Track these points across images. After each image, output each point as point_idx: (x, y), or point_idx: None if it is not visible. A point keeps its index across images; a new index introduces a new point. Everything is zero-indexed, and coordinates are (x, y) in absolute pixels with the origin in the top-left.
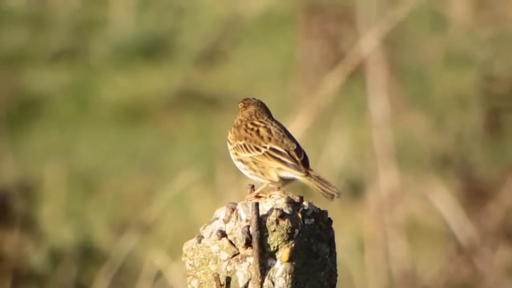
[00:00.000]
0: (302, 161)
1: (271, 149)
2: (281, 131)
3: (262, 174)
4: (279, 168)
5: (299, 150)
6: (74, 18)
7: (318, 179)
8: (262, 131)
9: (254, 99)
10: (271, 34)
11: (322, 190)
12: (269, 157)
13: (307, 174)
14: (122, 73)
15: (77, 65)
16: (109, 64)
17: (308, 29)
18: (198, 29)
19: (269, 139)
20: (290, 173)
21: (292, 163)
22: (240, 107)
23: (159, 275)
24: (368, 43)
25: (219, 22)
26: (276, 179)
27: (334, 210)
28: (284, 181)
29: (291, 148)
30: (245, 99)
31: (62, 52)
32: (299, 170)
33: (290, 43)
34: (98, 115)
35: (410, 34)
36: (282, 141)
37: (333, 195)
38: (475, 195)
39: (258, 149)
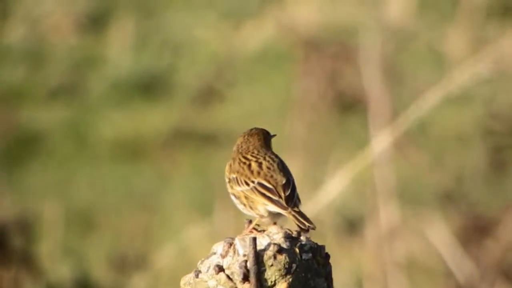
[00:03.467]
0: (287, 196)
1: (259, 183)
2: (272, 165)
3: (251, 208)
4: (265, 203)
5: (287, 185)
6: (71, 55)
7: (298, 213)
8: (253, 165)
9: (255, 129)
10: (268, 71)
11: (298, 223)
12: (256, 192)
13: (289, 210)
14: (119, 110)
15: (75, 102)
16: (106, 101)
17: (305, 66)
18: (195, 67)
19: (259, 173)
20: (273, 208)
21: (276, 198)
22: (241, 139)
23: None
24: (368, 80)
25: (216, 59)
26: (264, 213)
27: (332, 246)
28: (274, 215)
29: (279, 183)
30: (247, 131)
31: (59, 89)
32: (282, 206)
33: (288, 80)
34: (96, 152)
35: (409, 71)
36: (272, 176)
37: (307, 229)
38: (474, 232)
39: (247, 184)
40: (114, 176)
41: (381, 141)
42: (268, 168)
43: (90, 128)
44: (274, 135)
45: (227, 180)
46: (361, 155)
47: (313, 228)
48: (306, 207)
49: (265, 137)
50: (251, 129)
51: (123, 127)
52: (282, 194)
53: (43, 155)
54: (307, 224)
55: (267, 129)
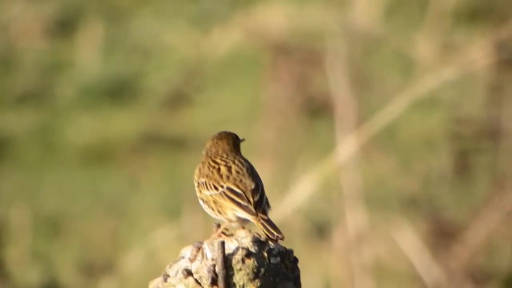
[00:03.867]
0: (256, 202)
1: (228, 188)
2: (242, 169)
3: (220, 212)
4: (234, 209)
5: (256, 190)
6: (40, 60)
7: (267, 222)
8: (223, 169)
9: (224, 132)
10: (237, 76)
11: (266, 232)
12: (225, 197)
13: (257, 217)
14: (88, 115)
15: (43, 107)
16: (75, 106)
17: (273, 71)
18: (164, 72)
19: (228, 178)
20: (242, 214)
21: (245, 204)
22: (210, 143)
23: None
24: (336, 84)
25: (185, 64)
26: (233, 218)
27: (300, 251)
28: (242, 220)
29: (248, 188)
30: (216, 134)
31: (28, 94)
32: (250, 212)
33: (256, 85)
34: (64, 157)
35: (377, 76)
36: (241, 180)
37: (275, 239)
38: (441, 237)
39: (216, 188)
40: (82, 181)
41: (347, 146)
42: (238, 172)
43: (59, 133)
44: (243, 140)
45: (196, 184)
46: (328, 160)
47: (281, 238)
48: (275, 212)
49: (234, 141)
50: (220, 133)
51: (91, 132)
52: (251, 200)
53: (11, 160)
54: (275, 233)
55: (235, 133)
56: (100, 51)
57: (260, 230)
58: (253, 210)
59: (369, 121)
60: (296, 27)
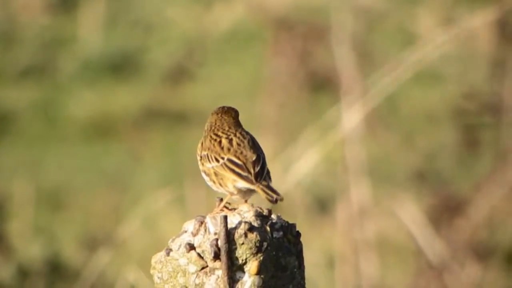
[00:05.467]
0: (256, 173)
1: (229, 160)
2: (243, 141)
3: (221, 185)
4: (234, 180)
5: (256, 161)
6: (42, 35)
7: (266, 187)
8: (224, 142)
9: (226, 107)
10: (239, 51)
11: (266, 194)
12: (226, 168)
13: (257, 185)
14: (90, 90)
15: (45, 81)
16: (77, 81)
17: (276, 46)
18: (166, 46)
19: (229, 150)
20: (243, 184)
21: (245, 174)
22: (212, 117)
23: None
24: (339, 59)
25: (187, 39)
26: (234, 190)
27: (303, 225)
28: (244, 192)
29: (249, 159)
30: (218, 109)
31: (30, 68)
32: (250, 181)
33: (258, 60)
34: (66, 132)
35: (380, 50)
36: (241, 152)
37: (276, 200)
38: (444, 211)
39: (217, 160)
40: (85, 155)
41: (351, 119)
42: (238, 144)
43: (61, 107)
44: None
45: (198, 158)
46: (332, 134)
47: (281, 199)
48: (277, 187)
49: (235, 115)
50: (222, 107)
51: (93, 107)
52: (252, 171)
53: (13, 135)
54: (275, 195)
55: (237, 108)
56: (102, 25)
57: (262, 201)
58: (253, 180)
59: (371, 92)
60: (299, 2)
